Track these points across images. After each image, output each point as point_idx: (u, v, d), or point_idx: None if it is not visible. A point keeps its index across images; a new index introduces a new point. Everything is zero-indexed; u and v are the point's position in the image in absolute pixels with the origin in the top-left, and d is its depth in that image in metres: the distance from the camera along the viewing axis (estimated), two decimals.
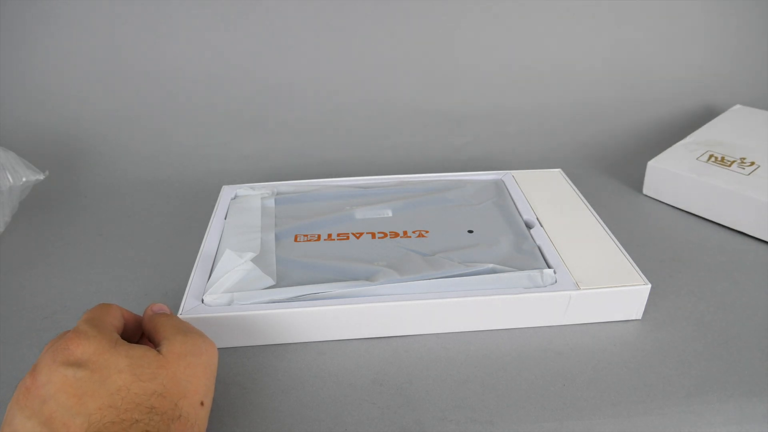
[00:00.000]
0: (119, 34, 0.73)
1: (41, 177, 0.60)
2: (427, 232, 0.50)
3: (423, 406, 0.38)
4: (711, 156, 0.61)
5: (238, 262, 0.45)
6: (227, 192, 0.57)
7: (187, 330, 0.35)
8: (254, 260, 0.46)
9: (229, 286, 0.44)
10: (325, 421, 0.37)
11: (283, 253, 0.48)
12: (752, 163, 0.59)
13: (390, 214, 0.53)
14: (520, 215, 0.53)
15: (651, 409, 0.37)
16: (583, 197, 0.55)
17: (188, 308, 0.42)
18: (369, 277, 0.44)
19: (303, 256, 0.48)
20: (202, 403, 0.33)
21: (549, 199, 0.55)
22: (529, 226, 0.51)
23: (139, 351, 0.32)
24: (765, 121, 0.68)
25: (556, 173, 0.60)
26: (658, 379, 0.40)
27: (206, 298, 0.43)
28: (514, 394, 0.39)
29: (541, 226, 0.51)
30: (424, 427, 0.37)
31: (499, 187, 0.58)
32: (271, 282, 0.44)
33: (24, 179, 0.59)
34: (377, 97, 0.77)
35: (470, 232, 0.51)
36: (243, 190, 0.58)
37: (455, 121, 0.77)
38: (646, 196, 0.63)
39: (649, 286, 0.43)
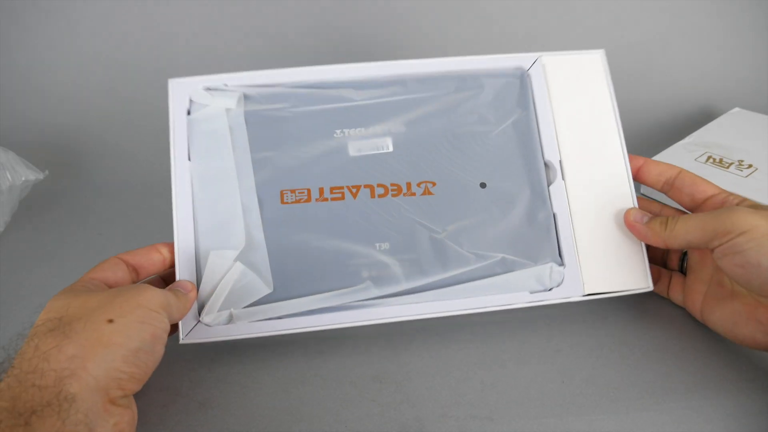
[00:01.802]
0: (119, 34, 0.74)
1: (41, 177, 0.60)
2: (433, 184, 0.43)
3: (423, 403, 0.38)
4: (709, 157, 0.62)
5: (226, 265, 0.41)
6: (178, 95, 0.44)
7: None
8: (243, 256, 0.41)
9: (225, 298, 0.40)
10: (326, 419, 0.37)
11: (270, 217, 0.42)
12: (750, 166, 0.59)
13: (390, 148, 0.44)
14: (542, 153, 0.45)
15: (650, 405, 0.37)
16: (617, 110, 0.46)
17: (186, 331, 0.40)
18: (375, 282, 0.41)
19: (294, 231, 0.42)
20: (110, 321, 0.32)
21: (581, 119, 0.46)
22: (548, 167, 0.45)
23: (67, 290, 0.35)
24: (763, 125, 0.68)
25: (597, 59, 0.47)
26: (657, 375, 0.40)
27: (204, 319, 0.40)
28: (514, 390, 0.39)
29: (563, 177, 0.44)
30: (424, 423, 0.37)
31: (524, 87, 0.46)
32: (268, 291, 0.41)
33: (24, 179, 0.59)
34: None
35: (483, 186, 0.44)
36: (198, 94, 0.44)
37: None
38: (643, 195, 0.63)
39: (651, 288, 0.44)
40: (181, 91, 0.44)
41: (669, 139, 0.70)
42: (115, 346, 0.31)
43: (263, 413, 0.38)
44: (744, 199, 0.41)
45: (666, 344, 0.43)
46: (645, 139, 0.75)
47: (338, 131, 0.44)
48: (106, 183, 0.68)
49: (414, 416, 0.37)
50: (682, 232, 0.40)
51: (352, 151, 0.44)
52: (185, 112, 0.44)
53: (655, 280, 0.45)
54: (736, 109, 0.73)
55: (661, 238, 0.41)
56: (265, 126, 0.44)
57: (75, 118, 0.74)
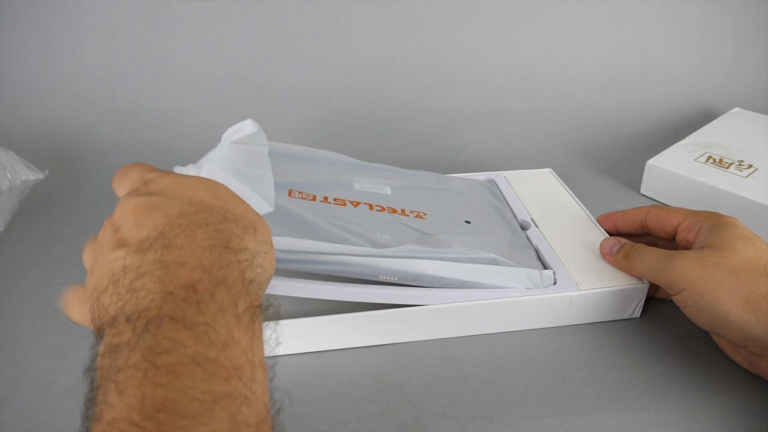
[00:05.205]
0: (119, 34, 0.74)
1: (41, 177, 0.60)
2: (425, 214, 0.49)
3: (423, 403, 0.38)
4: (709, 157, 0.62)
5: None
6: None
7: None
8: (251, 183, 0.38)
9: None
10: (326, 419, 0.37)
11: (277, 201, 0.41)
12: (750, 166, 0.59)
13: (389, 192, 0.51)
14: (515, 216, 0.53)
15: (649, 406, 0.38)
16: (575, 196, 0.55)
17: None
18: (371, 244, 0.41)
19: (297, 210, 0.42)
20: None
21: (542, 199, 0.55)
22: (524, 228, 0.51)
23: (219, 184, 0.31)
24: (763, 125, 0.68)
25: (547, 173, 0.60)
26: (657, 375, 0.40)
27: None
28: (514, 390, 0.39)
29: (537, 227, 0.51)
30: (423, 423, 0.37)
31: (492, 188, 0.58)
32: (269, 209, 0.36)
33: (24, 179, 0.58)
34: (377, 98, 0.78)
35: (468, 222, 0.49)
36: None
37: (454, 122, 0.77)
38: (643, 195, 0.64)
39: (647, 284, 0.44)
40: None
41: (669, 139, 0.70)
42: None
43: None
44: (709, 216, 0.41)
45: (666, 344, 0.43)
46: (645, 139, 0.75)
47: (345, 176, 0.51)
48: (106, 183, 0.68)
49: (414, 416, 0.37)
50: (638, 270, 0.42)
51: (357, 186, 0.50)
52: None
53: (655, 288, 0.46)
54: (736, 109, 0.73)
55: (625, 268, 0.43)
56: (283, 158, 0.49)
57: (75, 118, 0.74)
